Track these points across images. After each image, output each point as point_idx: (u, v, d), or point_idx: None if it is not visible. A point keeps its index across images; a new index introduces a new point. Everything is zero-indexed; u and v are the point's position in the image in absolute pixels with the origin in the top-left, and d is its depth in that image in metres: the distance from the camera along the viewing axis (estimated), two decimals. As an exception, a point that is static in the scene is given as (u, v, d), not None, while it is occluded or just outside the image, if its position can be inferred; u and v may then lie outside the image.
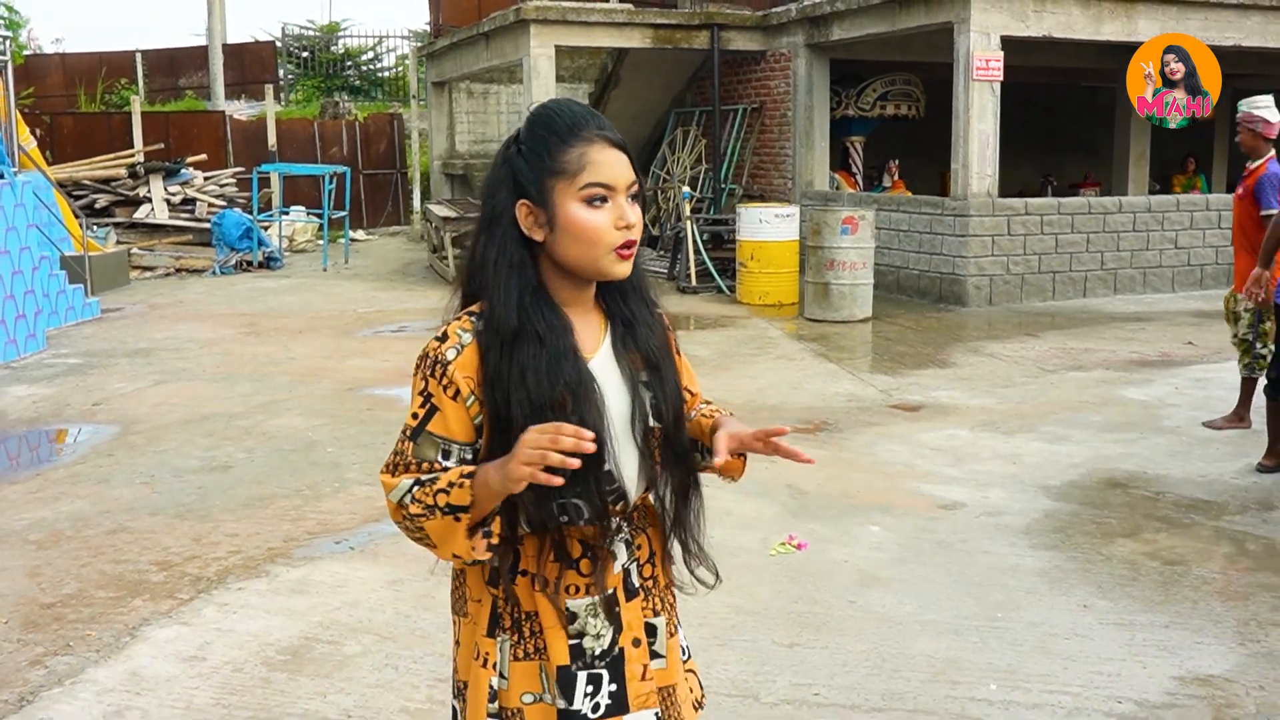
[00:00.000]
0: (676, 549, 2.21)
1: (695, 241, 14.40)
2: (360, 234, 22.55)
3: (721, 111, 17.22)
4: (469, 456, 1.96)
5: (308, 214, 20.91)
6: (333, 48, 33.72)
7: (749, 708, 4.01)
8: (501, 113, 22.24)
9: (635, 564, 2.10)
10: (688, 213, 14.60)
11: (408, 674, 4.22)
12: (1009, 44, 13.26)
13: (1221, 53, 14.95)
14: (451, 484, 1.88)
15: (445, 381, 1.93)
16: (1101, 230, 13.75)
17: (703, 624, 4.62)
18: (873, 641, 4.54)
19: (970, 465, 6.90)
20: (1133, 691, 4.12)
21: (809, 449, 7.30)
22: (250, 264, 17.62)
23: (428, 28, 25.67)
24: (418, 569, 5.19)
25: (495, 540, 1.92)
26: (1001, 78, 12.85)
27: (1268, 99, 7.48)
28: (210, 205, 18.97)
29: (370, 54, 33.93)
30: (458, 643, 2.14)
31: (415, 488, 1.92)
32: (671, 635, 2.19)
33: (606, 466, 1.98)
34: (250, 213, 18.48)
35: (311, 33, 34.03)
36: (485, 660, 2.06)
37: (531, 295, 1.96)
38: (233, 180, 20.41)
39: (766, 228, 12.86)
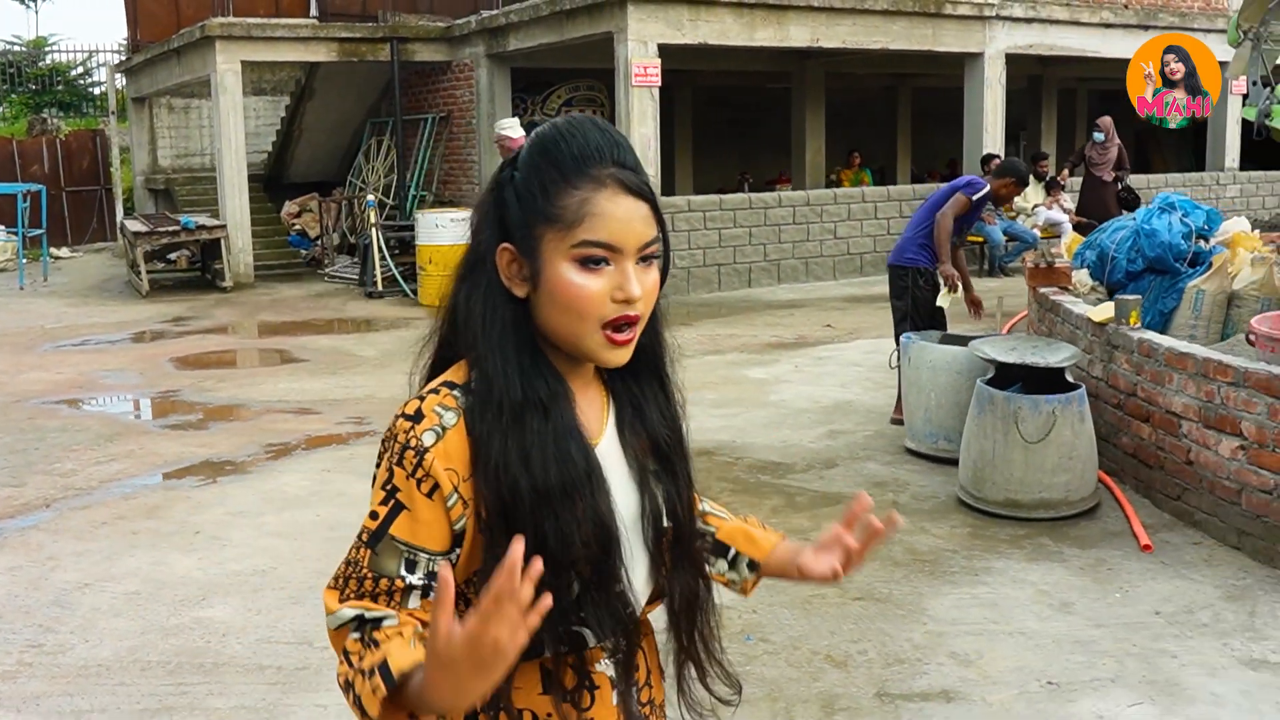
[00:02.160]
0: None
1: (380, 248, 14.74)
2: (64, 251, 22.07)
3: (412, 120, 17.59)
4: (439, 570, 1.46)
5: (6, 233, 20.37)
6: (40, 63, 32.54)
7: (301, 652, 4.51)
8: (204, 126, 21.94)
9: (634, 688, 1.70)
10: (373, 220, 14.96)
11: (3, 645, 4.62)
12: (689, 51, 14.06)
13: (872, 55, 16.18)
14: (391, 636, 1.46)
15: (420, 474, 1.50)
16: (763, 224, 14.71)
17: (283, 588, 5.13)
18: (429, 601, 5.06)
19: (580, 444, 7.47)
20: (659, 622, 4.72)
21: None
22: (-56, 285, 17.14)
23: (125, 43, 25.14)
24: (36, 555, 5.65)
25: None
26: (659, 83, 13.59)
27: (513, 120, 9.75)
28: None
29: (80, 69, 32.91)
30: None
31: (358, 630, 1.48)
32: None
33: (621, 585, 1.61)
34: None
35: (18, 48, 32.78)
36: None
37: (530, 358, 1.56)
38: (-74, 202, 19.84)
39: (443, 232, 13.26)
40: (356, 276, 15.83)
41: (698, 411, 8.28)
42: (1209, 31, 16.84)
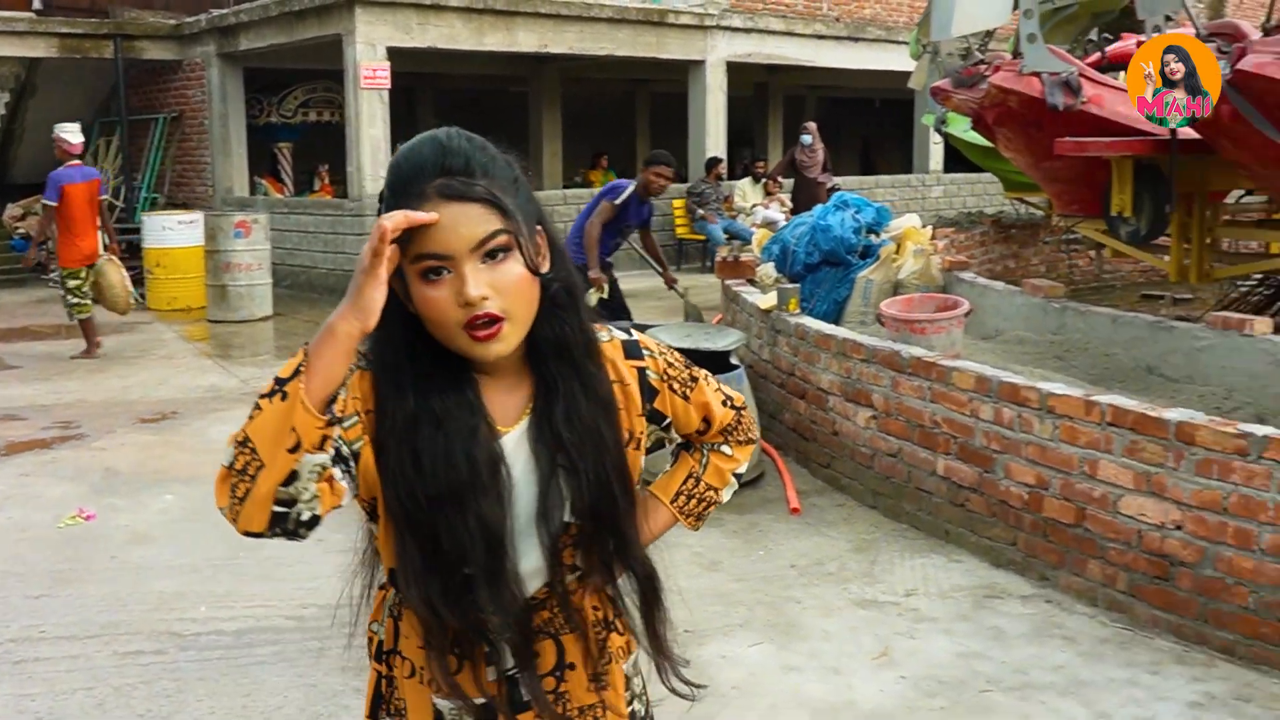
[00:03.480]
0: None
1: (107, 251, 14.48)
2: None
3: (142, 120, 17.29)
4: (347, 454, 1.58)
5: None
6: None
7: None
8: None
9: (528, 675, 1.73)
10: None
11: None
12: (427, 54, 14.29)
13: (606, 61, 16.73)
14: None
15: None
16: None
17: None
18: (115, 586, 5.22)
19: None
20: (321, 599, 4.99)
21: (145, 435, 7.89)
22: None
23: None
24: None
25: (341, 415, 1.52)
26: (389, 85, 13.78)
27: (73, 125, 10.55)
28: None
29: None
30: None
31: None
32: None
33: (507, 578, 1.67)
34: None
35: None
36: None
37: (430, 367, 1.64)
38: None
39: (171, 234, 13.20)
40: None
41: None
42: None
